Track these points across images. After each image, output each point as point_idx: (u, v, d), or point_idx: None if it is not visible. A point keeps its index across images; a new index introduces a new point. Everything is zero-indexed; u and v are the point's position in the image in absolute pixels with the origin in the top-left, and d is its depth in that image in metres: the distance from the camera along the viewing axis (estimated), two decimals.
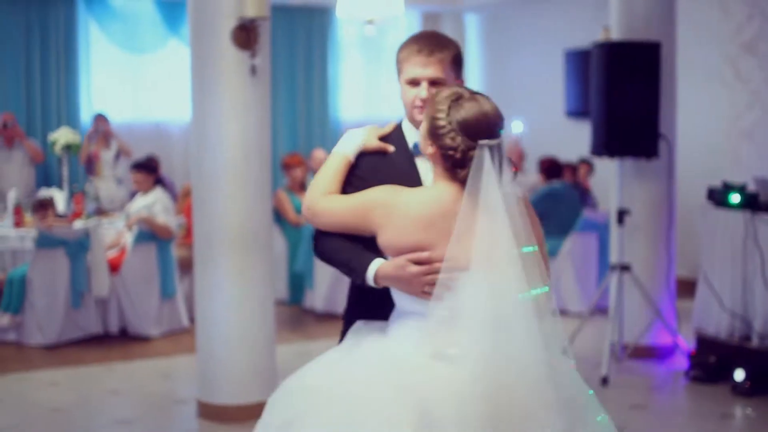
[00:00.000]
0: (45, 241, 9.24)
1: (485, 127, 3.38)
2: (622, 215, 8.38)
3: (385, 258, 3.49)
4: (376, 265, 3.46)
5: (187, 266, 10.01)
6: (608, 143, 8.24)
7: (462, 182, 3.35)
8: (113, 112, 13.69)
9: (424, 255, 3.34)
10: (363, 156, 3.75)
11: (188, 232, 10.22)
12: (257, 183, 7.03)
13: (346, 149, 3.73)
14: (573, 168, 11.76)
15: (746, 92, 10.60)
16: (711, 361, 7.89)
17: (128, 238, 9.77)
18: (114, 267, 9.63)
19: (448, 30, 15.67)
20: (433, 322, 3.29)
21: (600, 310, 9.50)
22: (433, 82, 3.67)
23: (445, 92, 3.47)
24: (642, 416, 7.15)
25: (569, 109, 13.88)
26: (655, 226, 8.67)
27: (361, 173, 3.71)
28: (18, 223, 10.05)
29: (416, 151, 3.73)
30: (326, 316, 10.38)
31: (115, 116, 13.70)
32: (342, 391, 3.23)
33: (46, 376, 8.35)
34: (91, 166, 12.06)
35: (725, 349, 8.04)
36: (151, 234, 9.64)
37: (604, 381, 7.80)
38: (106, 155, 12.31)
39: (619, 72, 8.21)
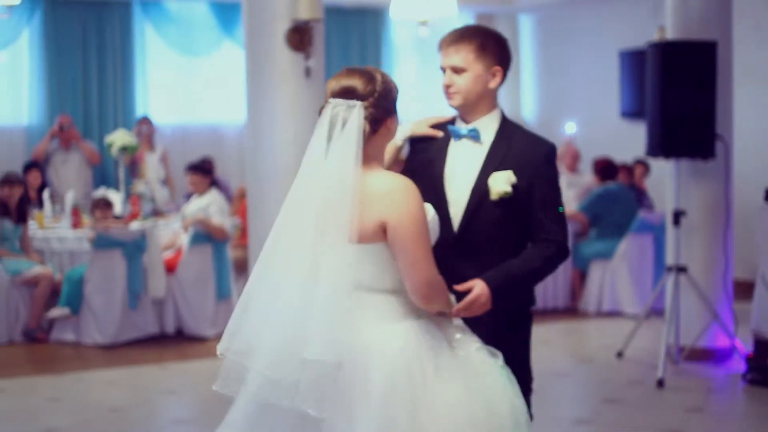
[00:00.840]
0: (102, 242, 9.34)
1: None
2: (678, 216, 8.31)
3: None
4: None
5: (242, 267, 10.08)
6: (664, 144, 8.18)
7: None
8: (168, 114, 13.83)
9: None
10: (417, 144, 4.09)
11: (243, 233, 10.27)
12: None
13: (396, 136, 3.95)
14: (629, 169, 11.68)
15: None
16: None
17: (184, 240, 9.85)
18: (170, 268, 9.71)
19: (501, 31, 15.58)
20: None
21: (656, 311, 9.43)
22: (455, 70, 3.89)
23: None
24: (698, 419, 7.09)
25: (624, 110, 13.79)
26: (711, 227, 8.59)
27: (412, 165, 4.07)
28: (75, 224, 10.17)
29: (454, 134, 3.98)
30: None
31: (171, 118, 13.84)
32: None
33: (104, 376, 8.43)
34: (135, 168, 12.16)
35: None
36: (206, 235, 9.71)
37: (660, 383, 7.74)
38: (151, 158, 12.40)
39: (675, 72, 8.14)
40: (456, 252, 3.87)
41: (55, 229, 10.28)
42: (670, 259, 8.54)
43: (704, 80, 8.13)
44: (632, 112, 13.51)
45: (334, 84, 3.52)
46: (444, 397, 3.35)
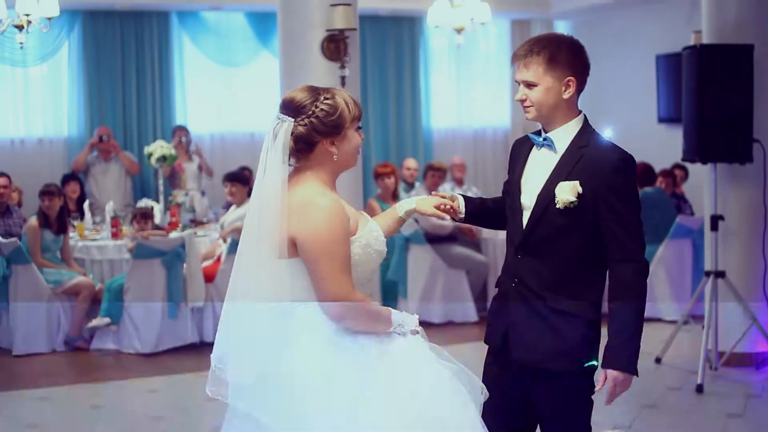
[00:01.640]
0: (142, 252, 9.41)
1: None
2: (716, 221, 8.27)
3: None
4: None
5: None
6: (701, 149, 8.14)
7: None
8: (206, 124, 13.92)
9: None
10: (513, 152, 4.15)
11: None
12: (349, 192, 7.09)
13: (398, 207, 4.11)
14: (668, 174, 11.59)
15: None
16: None
17: (223, 249, 9.91)
18: (209, 277, 9.77)
19: None
20: None
21: (694, 317, 9.39)
22: (527, 85, 3.90)
23: None
24: (738, 425, 7.06)
25: (661, 115, 13.74)
26: (749, 232, 8.54)
27: (509, 172, 4.15)
28: (115, 234, 10.27)
29: (535, 143, 4.01)
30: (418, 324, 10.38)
31: (209, 128, 13.93)
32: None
33: (144, 384, 8.50)
34: (174, 178, 12.23)
35: None
36: None
37: (700, 389, 7.71)
38: (190, 167, 12.48)
39: (711, 76, 8.10)
40: (522, 254, 3.95)
41: (95, 240, 10.38)
42: (708, 264, 8.50)
43: (741, 84, 8.09)
44: (669, 116, 13.45)
45: (283, 97, 3.64)
46: (362, 405, 3.39)
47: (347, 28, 7.24)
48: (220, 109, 14.05)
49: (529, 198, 3.95)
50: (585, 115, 4.02)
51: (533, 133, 4.07)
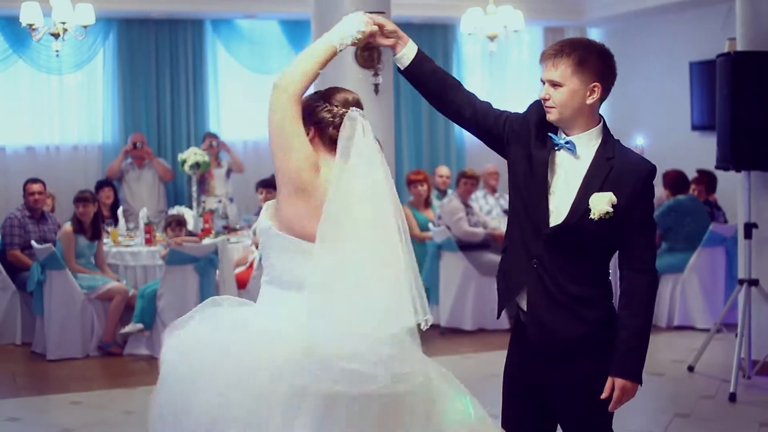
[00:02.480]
0: (175, 258, 9.47)
1: (353, 101, 3.89)
2: (749, 229, 8.23)
3: None
4: None
5: None
6: (734, 156, 8.09)
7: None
8: (239, 131, 13.99)
9: None
10: (521, 131, 4.08)
11: None
12: None
13: (333, 38, 4.12)
14: (701, 181, 11.51)
15: None
16: None
17: (255, 255, 9.94)
18: (241, 283, 9.81)
19: None
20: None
21: (728, 325, 9.35)
22: (553, 84, 3.91)
23: None
24: None
25: (695, 122, 13.68)
26: None
27: (512, 160, 4.12)
28: (148, 241, 10.33)
29: (555, 143, 3.99)
30: (450, 331, 10.41)
31: (242, 135, 14.00)
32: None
33: None
34: (203, 184, 12.29)
35: None
36: None
37: (733, 398, 7.67)
38: (219, 173, 12.53)
39: (746, 83, 8.06)
40: (547, 241, 3.95)
41: (128, 246, 10.46)
42: (741, 273, 8.46)
43: None
44: (703, 124, 13.39)
45: (350, 97, 3.99)
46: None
47: None
48: (254, 117, 14.09)
49: (559, 202, 3.95)
50: (605, 123, 4.03)
51: (552, 132, 4.04)
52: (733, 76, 8.09)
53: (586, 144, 3.95)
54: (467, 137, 15.17)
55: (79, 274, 9.75)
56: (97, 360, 9.65)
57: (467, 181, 11.02)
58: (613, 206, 3.83)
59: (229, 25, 13.89)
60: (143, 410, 7.74)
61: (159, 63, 13.63)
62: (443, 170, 12.70)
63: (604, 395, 3.91)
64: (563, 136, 4.00)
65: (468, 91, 4.23)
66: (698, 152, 12.86)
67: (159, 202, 12.74)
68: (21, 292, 10.22)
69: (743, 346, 8.19)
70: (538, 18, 14.44)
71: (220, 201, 11.78)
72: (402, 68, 4.26)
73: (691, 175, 11.52)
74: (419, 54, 4.25)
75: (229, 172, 12.89)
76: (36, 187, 10.45)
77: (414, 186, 11.21)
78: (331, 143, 3.76)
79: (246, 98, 14.07)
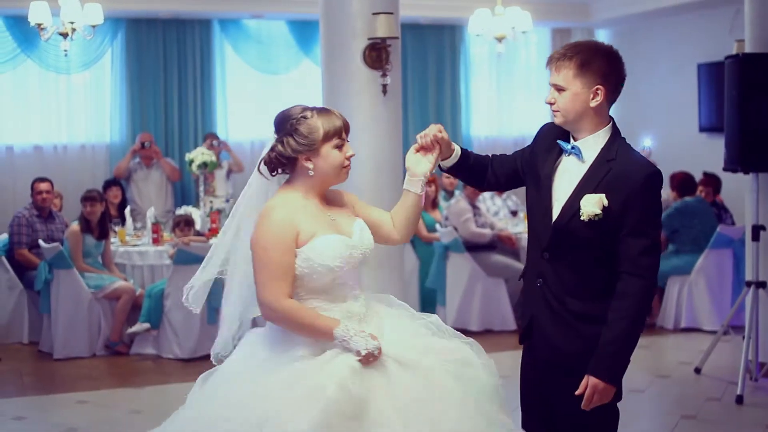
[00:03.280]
0: (183, 258, 9.47)
1: None
2: (757, 231, 8.21)
3: None
4: None
5: None
6: (742, 158, 8.08)
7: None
8: (247, 132, 14.01)
9: None
10: (535, 146, 4.18)
11: None
12: (389, 200, 7.09)
13: (408, 186, 4.16)
14: (708, 183, 11.49)
15: None
16: None
17: None
18: None
19: None
20: None
21: (735, 327, 9.34)
22: (557, 88, 3.93)
23: None
24: None
25: (703, 124, 13.66)
26: None
27: (525, 157, 4.28)
28: (156, 240, 10.34)
29: (564, 149, 4.01)
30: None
31: (249, 135, 14.02)
32: None
33: (183, 389, 8.46)
34: (204, 184, 12.29)
35: None
36: None
37: (739, 400, 7.66)
38: (219, 173, 12.53)
39: (754, 85, 8.03)
40: (548, 256, 3.98)
41: (136, 245, 10.47)
42: (749, 275, 8.45)
43: None
44: (711, 126, 13.38)
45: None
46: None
47: (389, 37, 7.26)
48: (261, 117, 14.10)
49: (558, 205, 3.97)
50: (615, 125, 4.01)
51: (561, 139, 4.05)
52: (742, 78, 8.07)
53: (592, 147, 3.94)
54: (474, 138, 15.18)
55: (86, 274, 9.76)
56: (103, 359, 9.66)
57: None
58: (604, 209, 3.81)
59: (237, 25, 13.91)
60: (150, 409, 7.81)
61: (167, 63, 13.65)
62: None
63: (578, 392, 3.86)
64: (572, 141, 4.00)
65: (493, 160, 4.34)
66: (705, 154, 12.85)
67: (166, 202, 12.75)
68: (28, 291, 10.24)
69: (750, 349, 8.17)
70: (545, 19, 14.44)
71: (227, 200, 11.79)
72: (444, 168, 4.26)
73: (698, 177, 11.50)
74: (462, 155, 4.24)
75: (229, 172, 12.92)
76: (44, 186, 10.46)
77: None
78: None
79: (253, 98, 14.10)
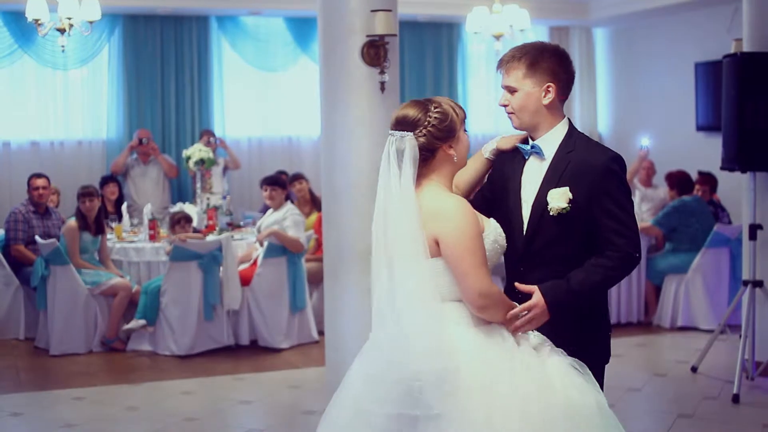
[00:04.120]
0: (179, 255, 9.47)
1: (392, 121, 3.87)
2: (754, 230, 8.21)
3: None
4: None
5: (316, 280, 10.15)
6: (740, 157, 8.09)
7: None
8: (244, 128, 14.01)
9: None
10: (498, 159, 4.19)
11: (319, 245, 10.35)
12: None
13: (483, 149, 4.25)
14: (705, 181, 11.48)
15: None
16: None
17: (259, 252, 9.95)
18: (245, 280, 9.81)
19: (576, 44, 15.58)
20: None
21: (731, 326, 9.34)
22: (509, 90, 4.01)
23: None
24: None
25: (700, 123, 13.65)
26: None
27: (491, 176, 4.21)
28: (152, 237, 10.34)
29: (524, 152, 4.06)
30: None
31: (246, 132, 14.02)
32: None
33: (179, 386, 8.55)
34: (202, 181, 12.27)
35: None
36: (281, 248, 9.80)
37: (736, 399, 7.66)
38: (215, 170, 12.51)
39: (752, 84, 8.04)
40: (524, 264, 4.01)
41: (132, 241, 10.46)
42: (746, 274, 8.45)
43: None
44: (708, 125, 13.37)
45: (393, 116, 3.85)
46: (519, 392, 3.55)
47: (387, 34, 7.24)
48: (258, 114, 14.12)
49: (527, 207, 4.00)
50: (569, 120, 4.08)
51: (521, 143, 4.10)
52: (740, 77, 8.08)
53: (551, 143, 4.01)
54: (472, 135, 15.14)
55: (83, 270, 9.76)
56: (100, 356, 9.66)
57: None
58: (570, 201, 3.85)
59: (235, 22, 13.89)
60: (146, 406, 7.80)
61: (164, 59, 13.63)
62: None
63: (522, 288, 3.89)
64: (531, 142, 4.06)
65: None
66: (702, 153, 12.85)
67: (163, 199, 12.75)
68: (25, 287, 10.24)
69: (747, 348, 8.18)
70: (543, 17, 14.43)
71: (224, 197, 11.78)
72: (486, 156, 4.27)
73: (695, 176, 11.50)
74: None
75: (225, 169, 12.92)
76: (40, 182, 10.46)
77: None
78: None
79: (251, 95, 14.09)
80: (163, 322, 9.59)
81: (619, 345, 9.40)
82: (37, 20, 9.50)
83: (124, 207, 11.51)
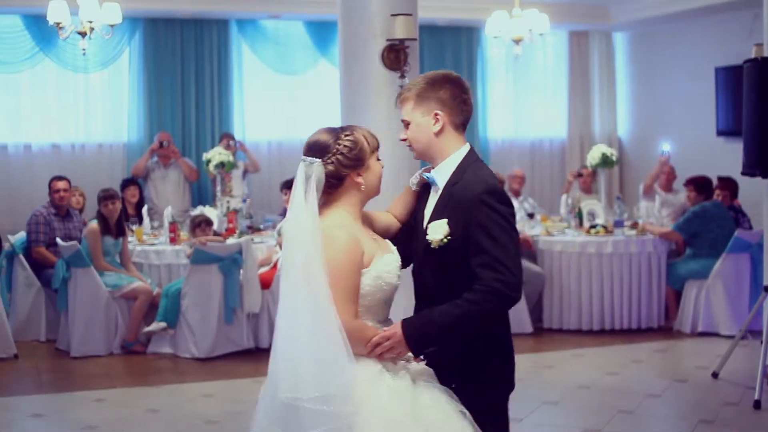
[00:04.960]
0: (200, 258, 9.49)
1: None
2: None
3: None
4: None
5: None
6: (761, 162, 8.04)
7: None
8: (264, 132, 14.04)
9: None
10: (422, 189, 4.19)
11: None
12: None
13: (410, 181, 4.24)
14: (726, 187, 11.44)
15: None
16: None
17: (279, 255, 9.96)
18: (265, 283, 9.82)
19: (596, 48, 15.58)
20: None
21: (752, 332, 9.30)
22: (404, 123, 4.01)
23: None
24: None
25: (720, 128, 13.61)
26: None
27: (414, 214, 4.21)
28: (173, 240, 10.36)
29: (430, 181, 4.04)
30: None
31: (267, 136, 14.04)
32: None
33: (200, 388, 8.57)
34: (222, 184, 12.29)
35: None
36: None
37: (757, 405, 7.63)
38: (235, 173, 12.53)
39: None
40: (419, 298, 4.04)
41: (153, 244, 10.49)
42: (766, 279, 8.42)
43: None
44: (728, 129, 13.33)
45: (306, 141, 3.89)
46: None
47: (408, 38, 7.26)
48: (278, 117, 14.15)
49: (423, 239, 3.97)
50: (471, 148, 4.01)
51: (427, 172, 4.10)
52: (761, 82, 8.04)
53: (444, 173, 3.96)
54: (491, 140, 15.17)
55: (105, 272, 9.79)
56: (120, 358, 9.69)
57: None
58: (449, 234, 3.80)
59: (254, 25, 13.92)
60: (166, 409, 7.82)
61: (184, 62, 13.67)
62: None
63: (376, 339, 3.77)
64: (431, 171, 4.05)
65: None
66: (723, 158, 12.81)
67: (184, 202, 12.78)
68: (46, 289, 10.28)
69: None
70: (563, 21, 14.42)
71: (244, 201, 11.80)
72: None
73: (715, 181, 11.46)
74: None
75: (245, 172, 12.94)
76: (61, 184, 10.51)
77: None
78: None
79: (270, 98, 14.11)
80: (184, 325, 9.62)
81: (639, 350, 9.42)
82: (58, 23, 9.56)
83: (144, 210, 11.55)
